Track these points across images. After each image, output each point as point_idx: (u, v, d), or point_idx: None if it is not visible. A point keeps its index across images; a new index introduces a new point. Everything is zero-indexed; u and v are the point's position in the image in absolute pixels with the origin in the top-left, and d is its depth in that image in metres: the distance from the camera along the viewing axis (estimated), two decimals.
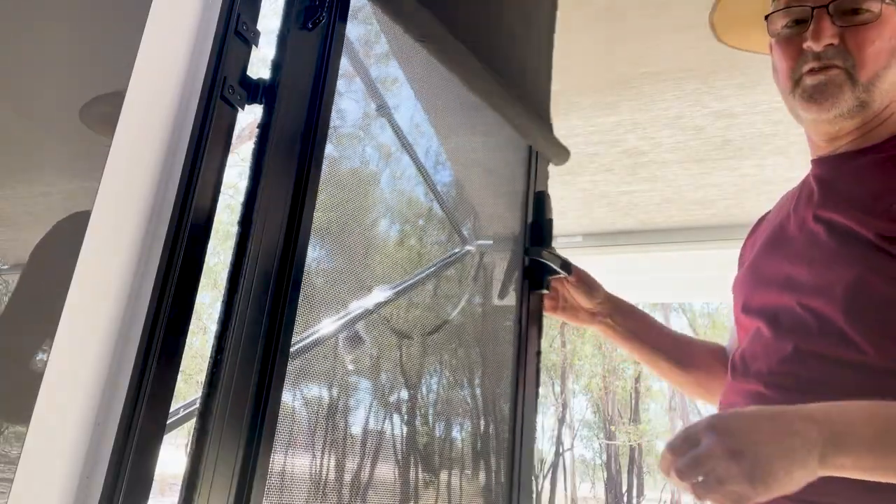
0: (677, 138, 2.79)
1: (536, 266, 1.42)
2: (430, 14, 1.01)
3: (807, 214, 1.09)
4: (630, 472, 18.68)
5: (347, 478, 1.02)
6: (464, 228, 1.36)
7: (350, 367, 1.05)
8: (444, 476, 1.15)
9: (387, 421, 1.08)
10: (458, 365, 1.25)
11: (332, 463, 0.99)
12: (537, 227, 1.46)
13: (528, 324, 1.39)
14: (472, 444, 1.24)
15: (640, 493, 18.82)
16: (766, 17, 1.14)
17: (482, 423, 1.29)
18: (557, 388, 19.60)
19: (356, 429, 1.05)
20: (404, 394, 1.11)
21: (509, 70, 1.29)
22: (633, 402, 18.89)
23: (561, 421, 19.24)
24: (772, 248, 1.16)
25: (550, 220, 1.49)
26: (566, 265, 1.41)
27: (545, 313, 1.45)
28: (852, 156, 1.09)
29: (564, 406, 19.36)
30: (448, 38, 1.07)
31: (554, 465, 18.69)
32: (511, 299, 1.38)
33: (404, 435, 1.08)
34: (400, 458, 1.06)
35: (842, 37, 1.04)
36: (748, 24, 1.24)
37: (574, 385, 19.77)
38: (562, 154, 1.47)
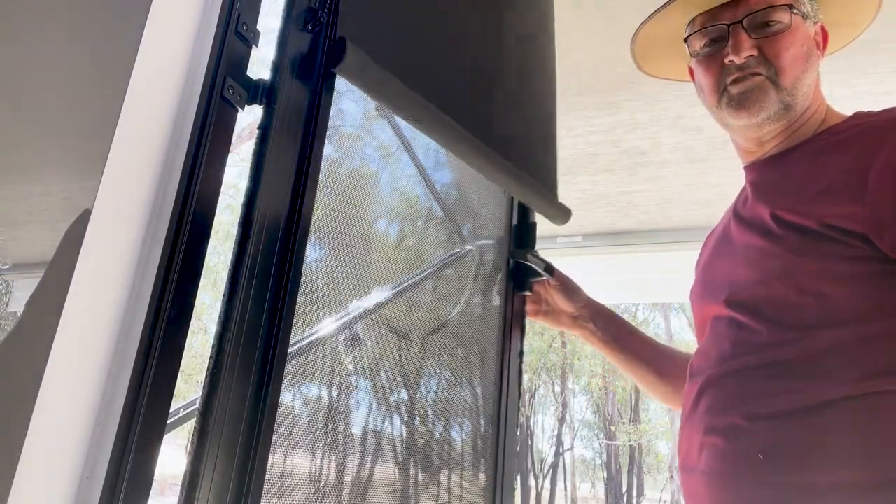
0: (677, 138, 2.79)
1: (520, 268, 1.45)
2: (420, 96, 1.01)
3: (744, 216, 1.14)
4: (630, 472, 18.68)
5: (345, 476, 1.02)
6: (462, 230, 1.37)
7: (349, 366, 1.05)
8: (429, 474, 1.16)
9: (380, 420, 1.09)
10: (447, 365, 1.26)
11: (331, 462, 0.99)
12: (522, 230, 1.49)
13: (512, 324, 1.42)
14: (457, 443, 1.25)
15: (640, 493, 18.82)
16: (686, 40, 1.21)
17: (468, 422, 1.30)
18: (557, 388, 19.60)
19: (355, 428, 1.05)
20: (394, 393, 1.12)
21: (509, 139, 1.28)
22: (633, 401, 18.88)
23: (561, 421, 19.24)
24: (718, 255, 1.20)
25: (534, 224, 1.51)
26: (549, 268, 1.44)
27: (528, 317, 1.48)
28: (781, 156, 1.15)
29: (564, 406, 19.36)
30: (440, 115, 1.05)
31: (554, 465, 18.70)
32: (496, 301, 1.40)
33: (392, 434, 1.09)
34: (388, 456, 1.07)
35: (759, 48, 1.10)
36: (663, 53, 1.30)
37: (574, 385, 19.76)
38: (563, 216, 1.47)
